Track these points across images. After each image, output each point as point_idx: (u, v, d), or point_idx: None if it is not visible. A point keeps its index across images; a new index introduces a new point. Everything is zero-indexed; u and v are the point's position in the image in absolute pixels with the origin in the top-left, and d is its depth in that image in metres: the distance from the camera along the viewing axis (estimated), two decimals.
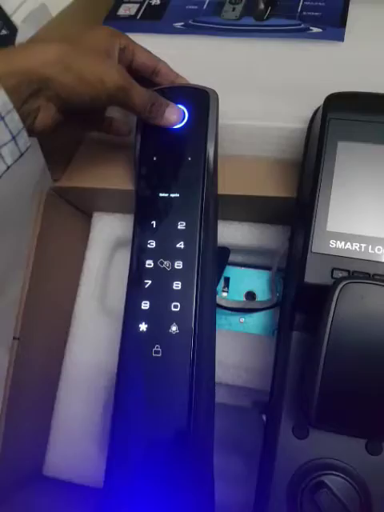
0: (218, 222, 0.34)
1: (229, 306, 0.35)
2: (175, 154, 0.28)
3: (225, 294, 0.38)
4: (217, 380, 0.31)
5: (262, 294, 0.37)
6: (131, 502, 0.25)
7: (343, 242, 0.23)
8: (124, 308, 0.27)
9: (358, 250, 0.23)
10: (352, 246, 0.23)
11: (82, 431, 0.33)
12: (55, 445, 0.33)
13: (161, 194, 0.27)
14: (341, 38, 0.31)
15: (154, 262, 0.27)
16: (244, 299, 0.37)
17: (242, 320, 0.36)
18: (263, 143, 0.30)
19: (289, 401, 0.23)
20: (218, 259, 0.35)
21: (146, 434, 0.25)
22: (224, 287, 0.38)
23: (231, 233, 0.35)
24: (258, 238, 0.35)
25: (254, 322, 0.36)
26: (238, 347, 0.32)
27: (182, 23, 0.34)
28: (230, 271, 0.38)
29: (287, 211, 0.29)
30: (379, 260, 0.22)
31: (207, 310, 0.27)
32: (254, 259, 0.37)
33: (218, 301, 0.34)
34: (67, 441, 0.33)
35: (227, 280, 0.38)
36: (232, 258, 0.37)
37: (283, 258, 0.32)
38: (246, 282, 0.37)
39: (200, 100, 0.28)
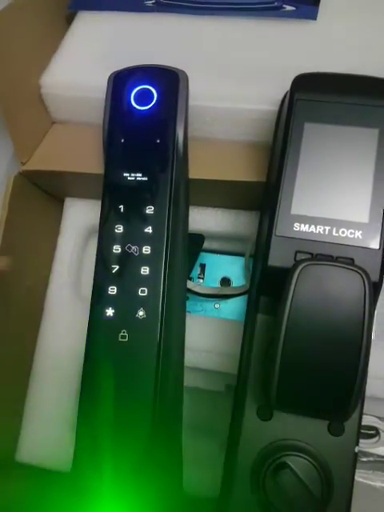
0: (191, 208, 0.34)
1: (202, 292, 0.35)
2: (144, 136, 0.27)
3: (201, 281, 0.38)
4: (189, 364, 0.31)
5: (237, 280, 0.37)
6: (98, 485, 0.25)
7: (308, 225, 0.23)
8: (91, 293, 0.26)
9: (322, 232, 0.23)
10: (316, 228, 0.23)
11: (55, 417, 0.33)
12: (28, 430, 0.33)
13: (129, 178, 0.27)
14: (314, 17, 0.30)
15: (122, 247, 0.26)
16: (219, 285, 0.37)
17: (217, 306, 0.36)
18: (234, 126, 0.29)
19: (253, 382, 0.24)
20: (192, 246, 0.35)
21: (112, 418, 0.25)
22: (200, 273, 0.38)
23: (205, 219, 0.35)
24: (233, 224, 0.34)
25: (229, 308, 0.36)
26: (211, 332, 0.32)
27: (153, 1, 0.33)
28: (206, 258, 0.38)
29: (258, 196, 0.29)
30: (343, 242, 0.22)
31: (176, 295, 0.27)
32: (230, 245, 0.36)
33: (192, 287, 0.34)
34: (40, 426, 0.33)
35: (203, 266, 0.38)
36: (208, 244, 0.37)
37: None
38: (221, 268, 0.37)
39: (169, 81, 0.28)
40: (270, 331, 0.24)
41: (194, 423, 0.32)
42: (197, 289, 0.34)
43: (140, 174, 0.27)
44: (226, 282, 0.37)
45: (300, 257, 0.23)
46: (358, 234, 0.22)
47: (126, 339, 0.25)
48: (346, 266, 0.20)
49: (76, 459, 0.26)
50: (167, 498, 0.25)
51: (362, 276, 0.20)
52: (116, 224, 0.27)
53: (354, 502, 0.23)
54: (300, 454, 0.22)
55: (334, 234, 0.23)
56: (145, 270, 0.26)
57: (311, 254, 0.23)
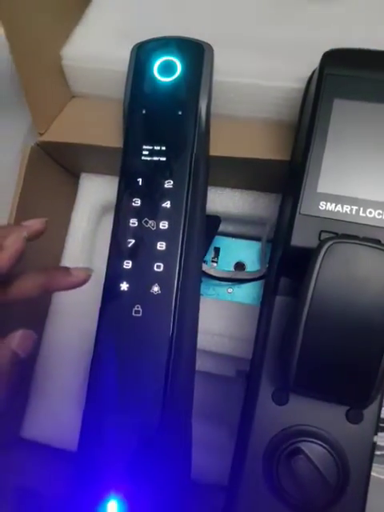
0: (209, 188, 0.33)
1: (217, 275, 0.34)
2: (165, 107, 0.26)
3: (214, 264, 0.37)
4: (200, 347, 0.30)
5: (252, 265, 0.36)
6: (105, 465, 0.24)
7: (334, 204, 0.22)
8: (106, 267, 0.26)
9: (348, 212, 0.22)
10: (342, 208, 0.22)
11: (63, 395, 0.33)
12: (34, 407, 0.33)
13: (148, 150, 0.26)
14: None
15: (139, 221, 0.26)
16: (233, 270, 0.36)
17: (230, 290, 0.36)
18: (259, 103, 0.28)
19: (269, 366, 0.23)
20: (209, 227, 0.34)
21: (121, 394, 0.24)
22: (214, 257, 0.37)
23: (223, 201, 0.34)
24: (251, 207, 0.34)
25: (242, 293, 0.35)
26: (223, 315, 0.31)
27: None
28: (220, 241, 0.37)
29: (281, 177, 0.28)
30: (370, 223, 0.21)
31: (192, 272, 0.26)
32: (245, 229, 0.36)
33: (207, 270, 0.33)
34: (47, 404, 0.33)
35: (217, 250, 0.37)
36: (224, 227, 0.36)
37: (274, 228, 0.31)
38: (235, 252, 0.36)
39: (194, 53, 0.27)
40: (289, 313, 0.23)
41: (203, 409, 0.31)
42: (211, 272, 0.33)
43: (160, 147, 0.26)
44: (240, 266, 0.37)
45: (324, 237, 0.22)
46: None
47: (140, 314, 0.24)
48: (375, 246, 0.20)
49: (82, 437, 0.25)
50: (175, 480, 0.24)
51: None
52: (134, 197, 0.26)
53: (367, 497, 0.22)
54: (316, 441, 0.21)
55: (360, 214, 0.22)
56: (161, 245, 0.25)
57: (336, 233, 0.22)
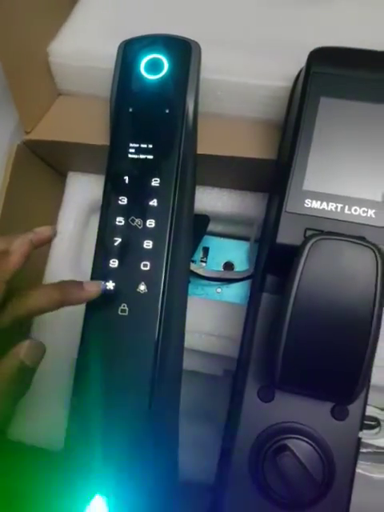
0: (198, 188, 0.33)
1: (206, 274, 0.34)
2: (152, 105, 0.26)
3: (203, 264, 0.37)
4: (188, 346, 0.30)
5: (241, 265, 0.36)
6: (91, 463, 0.24)
7: (319, 202, 0.22)
8: (92, 265, 0.26)
9: (333, 210, 0.22)
10: (328, 205, 0.22)
11: (49, 394, 0.32)
12: (20, 408, 0.33)
13: (135, 147, 0.26)
14: None
15: (125, 220, 0.26)
16: (222, 269, 0.36)
17: (219, 290, 0.36)
18: (246, 102, 0.28)
19: (255, 363, 0.23)
20: (198, 226, 0.34)
21: (108, 393, 0.24)
22: (202, 257, 0.37)
23: (211, 200, 0.34)
24: (239, 206, 0.34)
25: (231, 293, 0.35)
26: (212, 315, 0.31)
27: None
28: (209, 241, 0.37)
29: (268, 176, 0.28)
30: (355, 221, 0.22)
31: (179, 271, 0.26)
32: (234, 229, 0.36)
33: (196, 270, 0.33)
34: (33, 404, 0.32)
35: (206, 250, 0.37)
36: (212, 226, 0.36)
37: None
38: (224, 252, 0.36)
39: (181, 51, 0.27)
40: (275, 310, 0.23)
41: (190, 408, 0.31)
42: (200, 271, 0.33)
43: (147, 145, 0.26)
44: (228, 266, 0.37)
45: (310, 234, 0.22)
46: (371, 212, 0.22)
47: (127, 313, 0.24)
48: (359, 242, 0.20)
49: (68, 435, 0.25)
50: (161, 477, 0.24)
51: (374, 252, 0.19)
52: (120, 195, 0.26)
53: (352, 494, 0.22)
54: (301, 437, 0.22)
55: (345, 211, 0.22)
56: (148, 244, 0.25)
57: (322, 231, 0.22)
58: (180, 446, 0.28)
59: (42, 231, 0.23)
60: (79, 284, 0.24)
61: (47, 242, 0.24)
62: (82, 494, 0.24)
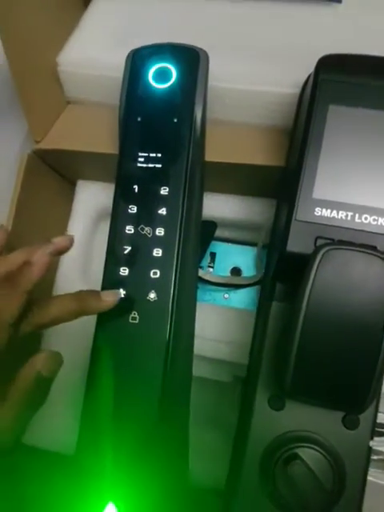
0: (205, 194, 0.33)
1: (214, 280, 0.34)
2: (161, 114, 0.26)
3: (210, 270, 0.37)
4: (196, 352, 0.30)
5: (248, 270, 0.36)
6: (102, 468, 0.24)
7: (329, 210, 0.22)
8: (103, 274, 0.26)
9: (344, 218, 0.22)
10: (338, 214, 0.22)
11: (61, 400, 0.32)
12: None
13: (144, 157, 0.26)
14: (339, 0, 0.29)
15: (135, 228, 0.26)
16: (229, 275, 0.36)
17: (227, 296, 0.36)
18: (254, 109, 0.29)
19: (266, 371, 0.23)
20: (205, 233, 0.34)
21: (119, 399, 0.24)
22: (210, 262, 0.37)
23: (218, 206, 0.34)
24: (246, 212, 0.34)
25: (239, 298, 0.35)
26: (220, 320, 0.31)
27: None
28: (217, 247, 0.37)
29: (276, 182, 0.28)
30: (365, 229, 0.22)
31: (188, 279, 0.26)
32: (241, 234, 0.36)
33: (203, 275, 0.33)
34: (45, 409, 0.33)
35: (213, 255, 0.37)
36: (219, 232, 0.36)
37: (269, 233, 0.31)
38: (232, 257, 0.37)
39: (189, 60, 0.27)
40: (285, 318, 0.23)
41: (199, 414, 0.31)
42: (208, 277, 0.33)
43: (156, 153, 0.26)
44: (236, 272, 0.37)
45: (320, 243, 0.22)
46: (382, 221, 0.22)
47: (137, 321, 0.24)
48: (371, 252, 0.20)
49: (80, 441, 0.25)
50: (172, 484, 0.24)
51: None
52: (130, 204, 0.26)
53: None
54: (312, 446, 0.22)
55: (356, 220, 0.22)
56: (157, 252, 0.25)
57: (332, 239, 0.22)
58: (190, 452, 0.28)
59: (60, 241, 0.23)
60: (96, 294, 0.24)
61: (65, 252, 0.24)
62: (94, 503, 0.24)
